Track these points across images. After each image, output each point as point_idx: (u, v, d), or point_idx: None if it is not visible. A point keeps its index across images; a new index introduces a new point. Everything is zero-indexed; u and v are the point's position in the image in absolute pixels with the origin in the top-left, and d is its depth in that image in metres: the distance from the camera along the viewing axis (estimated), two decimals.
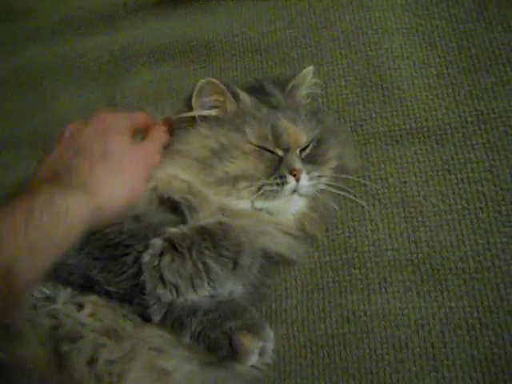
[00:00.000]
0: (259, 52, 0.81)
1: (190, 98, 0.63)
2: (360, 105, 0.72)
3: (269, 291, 0.65)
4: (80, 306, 0.55)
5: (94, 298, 0.55)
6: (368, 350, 0.61)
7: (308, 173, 0.62)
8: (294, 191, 0.62)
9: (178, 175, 0.62)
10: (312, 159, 0.64)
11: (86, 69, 0.94)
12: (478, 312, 0.59)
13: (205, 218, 0.59)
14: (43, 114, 0.94)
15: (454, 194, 0.64)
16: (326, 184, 0.64)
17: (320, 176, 0.64)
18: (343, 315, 0.63)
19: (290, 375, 0.62)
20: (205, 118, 0.64)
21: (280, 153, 0.62)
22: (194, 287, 0.54)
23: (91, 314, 0.55)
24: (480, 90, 0.68)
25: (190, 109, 0.63)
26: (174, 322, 0.53)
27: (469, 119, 0.67)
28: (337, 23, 0.77)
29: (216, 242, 0.56)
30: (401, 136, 0.69)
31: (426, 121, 0.68)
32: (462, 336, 0.59)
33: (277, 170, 0.61)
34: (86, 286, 0.56)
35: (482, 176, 0.64)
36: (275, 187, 0.60)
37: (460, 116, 0.67)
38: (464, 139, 0.66)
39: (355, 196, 0.66)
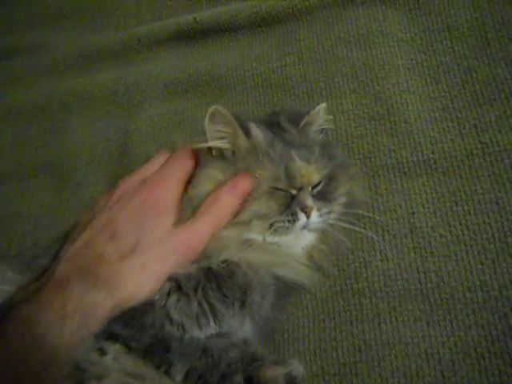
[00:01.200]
0: (270, 86, 0.83)
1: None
2: (368, 138, 0.74)
3: (281, 325, 0.67)
4: (103, 352, 0.55)
5: (117, 346, 0.56)
6: (379, 379, 0.62)
7: (318, 210, 0.63)
8: (304, 227, 0.63)
9: None
10: (323, 196, 0.65)
11: (100, 101, 0.96)
12: (486, 341, 0.60)
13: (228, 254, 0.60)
14: (58, 145, 0.96)
15: (461, 225, 0.66)
16: (336, 218, 0.65)
17: (330, 212, 0.65)
18: (354, 344, 0.64)
19: None
20: (219, 153, 0.64)
21: (293, 192, 0.63)
22: (199, 326, 0.56)
23: (114, 359, 0.55)
24: (484, 123, 0.70)
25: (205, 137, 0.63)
26: (198, 380, 0.53)
27: (474, 152, 0.69)
28: (344, 59, 0.79)
29: (221, 284, 0.57)
30: (408, 168, 0.71)
31: (432, 153, 0.70)
32: (472, 365, 0.60)
33: (289, 207, 0.62)
34: (110, 337, 0.57)
35: (488, 208, 0.66)
36: (287, 224, 0.61)
37: (466, 149, 0.69)
38: (470, 171, 0.68)
39: (364, 229, 0.68)
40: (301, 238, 0.64)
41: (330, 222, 0.65)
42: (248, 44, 0.88)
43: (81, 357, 0.54)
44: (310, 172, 0.63)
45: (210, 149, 0.64)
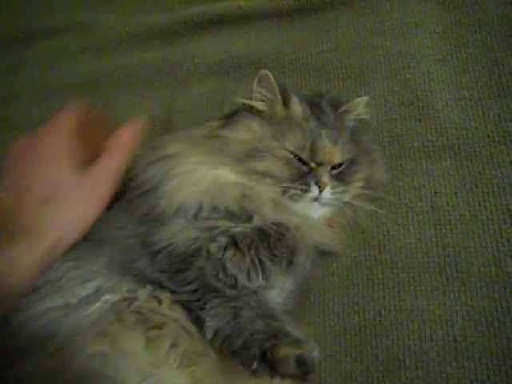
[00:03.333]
0: (307, 71, 0.89)
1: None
2: (397, 122, 0.79)
3: (316, 283, 0.73)
4: (159, 300, 0.61)
5: (168, 294, 0.62)
6: (396, 340, 0.68)
7: (333, 187, 0.68)
8: (316, 199, 0.67)
9: (224, 175, 0.68)
10: (340, 177, 0.70)
11: (146, 79, 1.02)
12: (496, 312, 0.66)
13: (264, 215, 0.66)
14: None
15: (479, 205, 0.71)
16: (351, 198, 0.70)
17: (344, 191, 0.69)
18: (375, 309, 0.70)
19: (325, 359, 0.70)
20: (258, 112, 0.70)
21: (312, 165, 0.68)
22: (249, 279, 0.62)
23: (169, 308, 0.61)
24: (508, 113, 0.74)
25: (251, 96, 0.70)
26: (224, 340, 0.57)
27: (496, 139, 0.73)
28: (379, 47, 0.84)
29: (271, 244, 0.64)
30: (433, 152, 0.76)
31: (457, 138, 0.75)
32: (482, 332, 0.65)
33: (303, 177, 0.67)
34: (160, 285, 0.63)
35: (506, 191, 0.70)
36: (299, 192, 0.66)
37: (488, 136, 0.74)
38: (491, 157, 0.73)
39: (379, 208, 0.72)
40: (311, 210, 0.69)
41: (345, 199, 0.70)
42: (288, 30, 0.93)
43: (141, 304, 0.60)
44: (334, 152, 0.69)
45: (251, 106, 0.71)
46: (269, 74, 0.68)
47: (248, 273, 0.62)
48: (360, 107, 0.74)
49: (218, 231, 0.64)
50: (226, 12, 0.98)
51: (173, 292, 0.62)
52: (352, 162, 0.71)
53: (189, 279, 0.62)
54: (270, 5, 0.94)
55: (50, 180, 0.61)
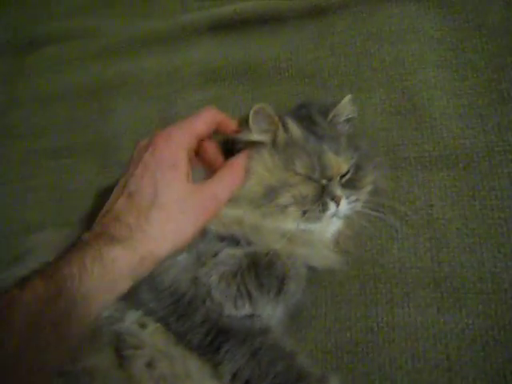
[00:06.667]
0: (303, 78, 0.87)
1: (246, 120, 0.67)
2: (394, 131, 0.77)
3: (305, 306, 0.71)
4: (143, 326, 0.61)
5: (158, 325, 0.61)
6: (388, 359, 0.66)
7: (347, 197, 0.67)
8: (334, 215, 0.67)
9: (229, 212, 0.66)
10: (351, 184, 0.69)
11: (144, 86, 1.01)
12: (493, 330, 0.63)
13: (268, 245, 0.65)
14: (103, 126, 1.02)
15: (477, 218, 0.69)
16: (362, 206, 0.70)
17: (357, 199, 0.69)
18: (367, 325, 0.68)
19: None
20: (261, 145, 0.68)
21: (324, 182, 0.67)
22: (236, 307, 0.61)
23: (151, 334, 0.60)
24: (508, 121, 0.71)
25: (248, 131, 0.68)
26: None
27: (496, 149, 0.71)
28: (376, 54, 0.82)
29: (259, 273, 0.62)
30: (430, 162, 0.73)
31: (454, 148, 0.73)
32: (477, 351, 0.63)
33: (320, 197, 0.66)
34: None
35: (504, 204, 0.68)
36: (317, 213, 0.66)
37: (487, 146, 0.71)
38: (490, 168, 0.70)
39: (389, 217, 0.71)
40: (331, 225, 0.69)
41: (357, 208, 0.69)
42: (284, 36, 0.91)
43: (123, 328, 0.60)
44: (340, 163, 0.68)
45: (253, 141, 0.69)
46: (264, 105, 0.66)
47: (234, 300, 0.61)
48: (347, 108, 0.73)
49: (207, 255, 0.63)
50: (223, 18, 0.96)
51: (183, 335, 0.61)
52: (357, 167, 0.71)
53: (198, 322, 0.61)
54: (266, 10, 0.92)
55: (157, 190, 0.60)
